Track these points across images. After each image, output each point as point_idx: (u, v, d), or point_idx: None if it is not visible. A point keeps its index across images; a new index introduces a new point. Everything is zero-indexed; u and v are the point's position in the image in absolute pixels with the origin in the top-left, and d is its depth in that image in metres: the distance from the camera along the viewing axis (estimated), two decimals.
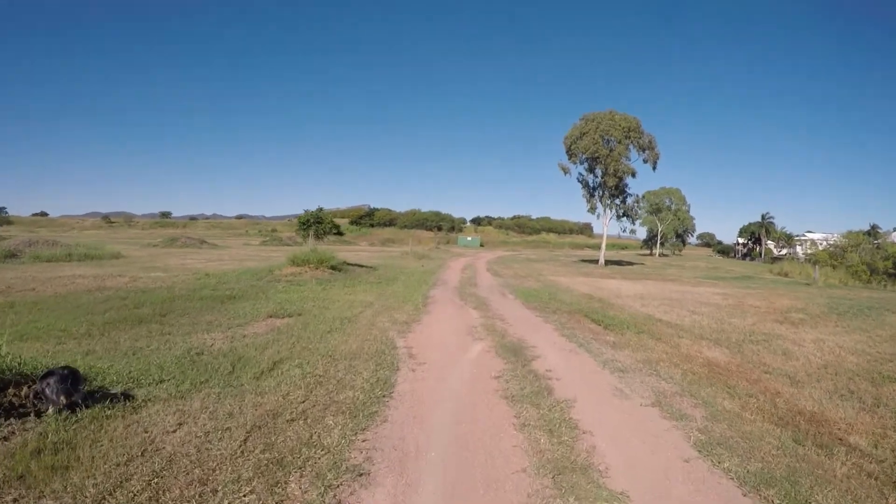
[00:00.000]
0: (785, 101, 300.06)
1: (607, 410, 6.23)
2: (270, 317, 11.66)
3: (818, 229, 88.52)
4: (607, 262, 49.51)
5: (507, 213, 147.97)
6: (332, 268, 21.75)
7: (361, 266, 27.20)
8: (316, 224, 23.05)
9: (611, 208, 46.97)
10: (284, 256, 24.17)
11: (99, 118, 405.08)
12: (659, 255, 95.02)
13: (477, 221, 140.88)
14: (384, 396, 6.27)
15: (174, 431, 5.07)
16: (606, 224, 47.58)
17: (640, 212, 69.55)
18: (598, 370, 8.09)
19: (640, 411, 6.27)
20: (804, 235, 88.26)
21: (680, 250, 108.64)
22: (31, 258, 25.34)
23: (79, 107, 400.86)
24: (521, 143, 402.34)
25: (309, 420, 5.43)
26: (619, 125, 43.61)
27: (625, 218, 49.75)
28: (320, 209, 22.74)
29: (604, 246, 50.39)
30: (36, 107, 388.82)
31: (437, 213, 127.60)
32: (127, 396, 5.93)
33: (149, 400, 5.87)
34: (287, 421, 5.38)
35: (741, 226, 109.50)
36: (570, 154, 45.80)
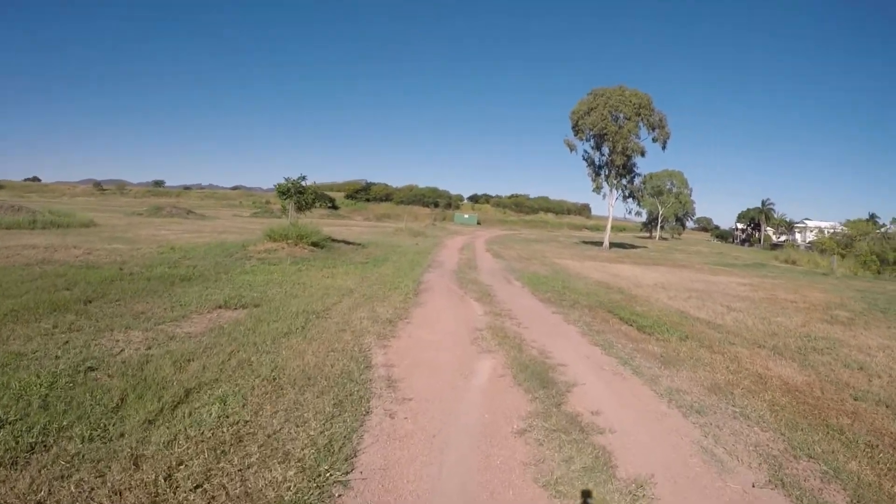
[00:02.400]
0: (784, 88, 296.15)
1: None
2: (220, 307, 9.21)
3: (816, 217, 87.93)
4: (611, 245, 47.07)
5: (504, 192, 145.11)
6: (314, 244, 19.13)
7: (349, 243, 24.61)
8: (297, 194, 20.34)
9: (617, 188, 44.38)
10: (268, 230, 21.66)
11: (95, 85, 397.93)
12: (659, 238, 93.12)
13: (474, 199, 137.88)
14: (335, 483, 3.68)
15: None
16: (612, 205, 45.04)
17: (644, 193, 67.60)
18: (665, 410, 5.60)
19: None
20: (803, 222, 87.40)
21: (679, 234, 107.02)
22: None
23: (75, 73, 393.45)
24: (520, 121, 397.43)
25: None
26: (630, 101, 40.93)
27: (630, 199, 47.43)
28: (302, 177, 20.12)
29: (609, 227, 47.83)
30: (31, 72, 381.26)
31: (435, 190, 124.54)
32: None
33: None
34: None
35: (739, 211, 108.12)
36: (577, 130, 43.08)
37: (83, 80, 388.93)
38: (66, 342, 6.57)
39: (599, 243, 49.40)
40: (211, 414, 4.66)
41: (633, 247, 53.01)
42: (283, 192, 21.58)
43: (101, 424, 4.35)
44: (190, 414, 4.66)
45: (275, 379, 5.63)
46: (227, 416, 4.64)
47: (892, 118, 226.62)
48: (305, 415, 4.74)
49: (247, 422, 4.58)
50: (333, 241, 22.78)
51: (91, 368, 5.70)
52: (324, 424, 4.57)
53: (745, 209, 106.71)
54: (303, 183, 21.79)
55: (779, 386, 6.77)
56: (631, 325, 10.07)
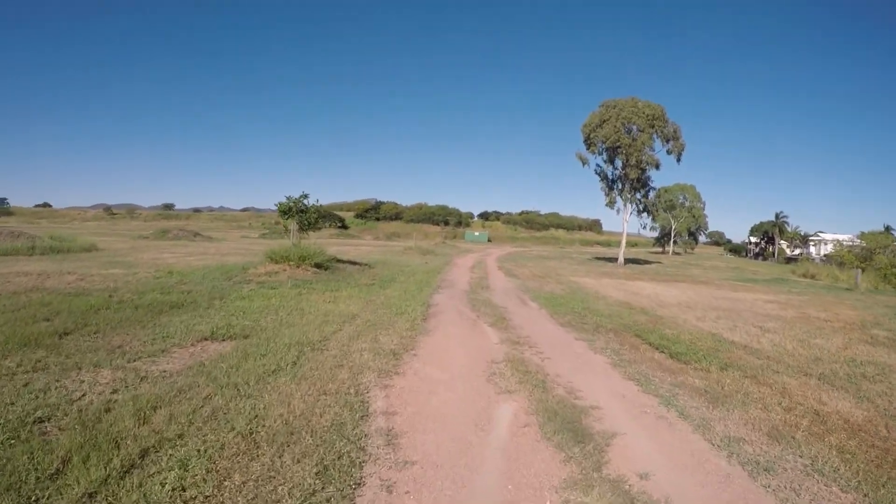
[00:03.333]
0: (798, 100, 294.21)
1: None
2: (205, 339, 8.29)
3: (829, 230, 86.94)
4: (625, 261, 45.96)
5: (514, 209, 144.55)
6: (318, 266, 18.20)
7: (355, 263, 23.66)
8: (299, 213, 19.37)
9: (631, 202, 43.30)
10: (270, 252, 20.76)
11: (106, 110, 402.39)
12: (672, 252, 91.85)
13: (485, 216, 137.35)
14: None
15: None
16: (626, 219, 43.90)
17: (658, 208, 66.62)
18: (726, 469, 4.53)
19: None
20: (817, 235, 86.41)
21: (692, 248, 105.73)
22: None
23: (84, 99, 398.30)
24: (529, 137, 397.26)
25: None
26: (643, 112, 40.02)
27: (645, 213, 46.38)
28: (304, 195, 19.24)
29: (623, 243, 46.67)
30: (40, 99, 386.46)
31: (444, 208, 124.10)
32: None
33: None
34: None
35: (751, 224, 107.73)
36: (589, 143, 42.16)
37: (94, 105, 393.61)
38: (26, 384, 5.74)
39: (613, 259, 48.46)
40: (165, 485, 3.73)
41: (647, 262, 51.94)
42: (284, 211, 20.62)
43: (33, 498, 3.53)
44: (140, 485, 3.73)
45: (251, 433, 4.65)
46: (185, 489, 3.69)
47: None
48: (280, 489, 3.73)
49: (206, 497, 3.62)
50: (339, 261, 21.88)
51: (41, 420, 4.84)
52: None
53: (757, 223, 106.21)
54: (305, 201, 20.85)
55: (840, 426, 5.78)
56: (663, 353, 9.05)
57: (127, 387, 5.86)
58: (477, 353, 8.34)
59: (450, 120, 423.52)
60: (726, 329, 11.90)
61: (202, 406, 5.30)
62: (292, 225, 20.80)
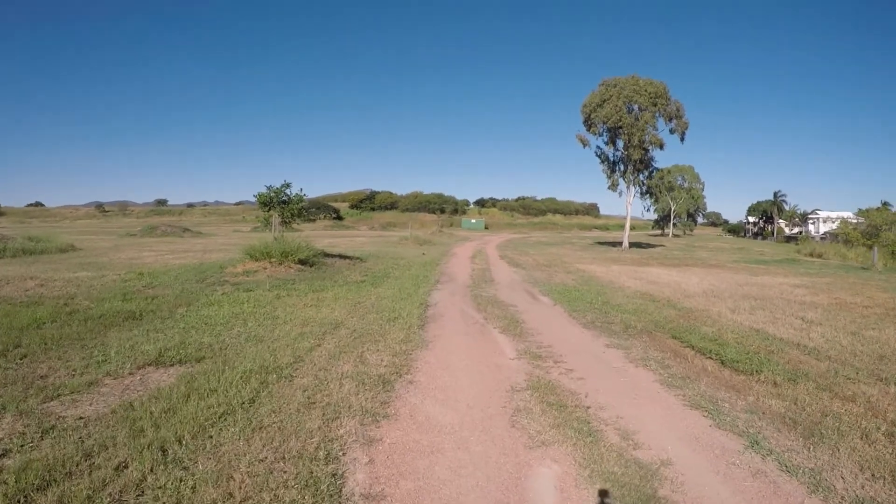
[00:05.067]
0: (792, 79, 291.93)
1: None
2: (149, 364, 6.62)
3: (825, 207, 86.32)
4: (629, 245, 44.41)
5: (511, 194, 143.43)
6: (303, 262, 16.47)
7: (346, 258, 21.91)
8: (281, 205, 17.44)
9: (634, 185, 41.67)
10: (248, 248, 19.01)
11: (98, 108, 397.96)
12: (672, 235, 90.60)
13: (481, 203, 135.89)
14: None
15: None
16: (630, 202, 42.33)
17: (662, 189, 65.19)
18: None
19: None
20: (815, 213, 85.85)
21: (691, 230, 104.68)
22: None
23: (76, 97, 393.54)
24: (524, 122, 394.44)
25: None
26: (645, 91, 38.40)
27: (648, 195, 44.89)
28: (286, 184, 17.26)
29: (628, 226, 45.05)
30: (31, 98, 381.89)
31: (440, 196, 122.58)
32: None
33: None
34: None
35: (747, 204, 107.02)
36: (589, 124, 40.52)
37: (85, 104, 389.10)
38: None
39: (614, 243, 47.11)
40: None
41: (651, 246, 50.49)
42: (265, 202, 18.69)
43: None
44: None
45: None
46: None
47: None
48: None
49: None
50: (327, 255, 20.10)
51: None
52: None
53: (755, 202, 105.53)
54: (287, 191, 18.96)
55: None
56: (713, 359, 7.45)
57: (23, 446, 4.26)
58: (491, 376, 6.56)
59: (444, 107, 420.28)
60: (767, 322, 10.38)
61: (107, 483, 3.66)
62: (274, 217, 18.94)
